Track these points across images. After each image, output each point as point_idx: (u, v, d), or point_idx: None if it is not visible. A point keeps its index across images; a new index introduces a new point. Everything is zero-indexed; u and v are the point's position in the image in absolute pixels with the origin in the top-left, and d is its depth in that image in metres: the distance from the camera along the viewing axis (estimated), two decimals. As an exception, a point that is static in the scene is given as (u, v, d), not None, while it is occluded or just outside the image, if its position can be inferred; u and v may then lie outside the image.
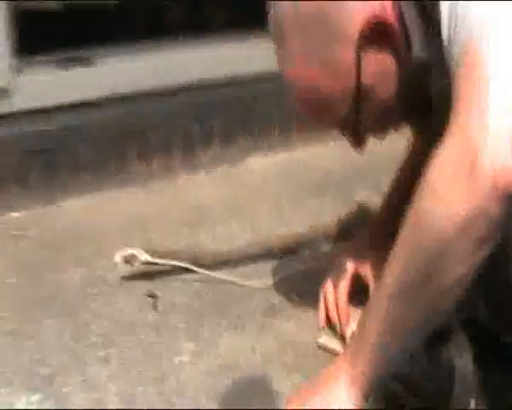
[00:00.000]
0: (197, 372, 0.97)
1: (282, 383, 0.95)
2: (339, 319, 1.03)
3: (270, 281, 1.19)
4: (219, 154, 1.67)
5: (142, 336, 1.05)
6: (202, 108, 1.65)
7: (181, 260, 1.20)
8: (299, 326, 1.07)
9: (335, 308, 1.04)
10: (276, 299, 1.15)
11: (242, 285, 1.17)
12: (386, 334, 0.73)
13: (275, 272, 1.21)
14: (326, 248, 1.31)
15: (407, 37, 0.81)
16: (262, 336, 1.05)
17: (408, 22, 0.81)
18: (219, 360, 1.00)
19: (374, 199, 1.41)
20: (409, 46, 0.81)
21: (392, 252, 0.72)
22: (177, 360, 1.00)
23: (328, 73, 0.84)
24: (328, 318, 1.05)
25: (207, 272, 1.19)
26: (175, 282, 1.19)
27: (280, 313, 1.11)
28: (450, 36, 0.70)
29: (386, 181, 1.47)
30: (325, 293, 1.07)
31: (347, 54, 0.82)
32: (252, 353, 1.02)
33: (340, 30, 0.82)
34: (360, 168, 1.55)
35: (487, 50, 0.65)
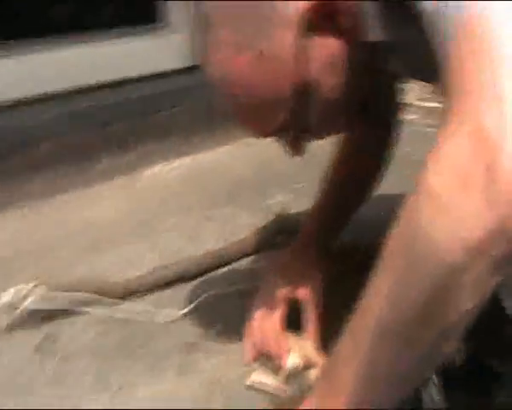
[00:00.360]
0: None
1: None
2: (272, 350, 0.90)
3: (186, 309, 1.04)
4: (116, 163, 1.50)
5: (40, 393, 0.87)
6: (96, 112, 1.46)
7: (82, 292, 1.03)
8: (225, 361, 0.93)
9: (267, 338, 0.91)
10: (196, 330, 1.00)
11: (154, 317, 1.02)
12: (367, 382, 0.57)
13: (191, 298, 1.06)
14: (246, 264, 1.17)
15: (359, 16, 0.68)
16: (183, 378, 0.90)
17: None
18: (136, 413, 0.85)
19: (292, 205, 1.30)
20: (362, 28, 0.68)
21: (374, 279, 0.55)
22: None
23: (264, 64, 0.69)
24: (258, 351, 0.92)
25: (112, 305, 1.03)
26: (77, 319, 1.02)
27: (201, 347, 0.96)
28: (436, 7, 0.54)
29: (304, 184, 1.36)
30: (253, 321, 0.93)
31: (287, 41, 0.69)
32: (174, 399, 0.87)
33: (278, 12, 0.68)
34: (273, 171, 1.43)
35: (498, 20, 0.50)
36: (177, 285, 1.10)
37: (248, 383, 0.88)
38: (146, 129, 1.52)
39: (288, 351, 0.87)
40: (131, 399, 0.87)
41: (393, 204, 0.55)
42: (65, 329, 1.00)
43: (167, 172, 1.55)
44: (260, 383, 0.87)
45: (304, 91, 0.71)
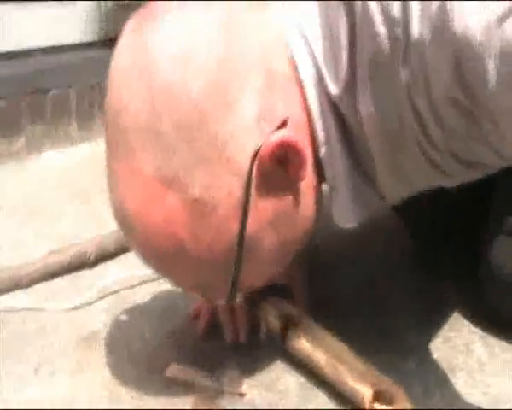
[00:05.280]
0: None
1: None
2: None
3: (83, 299, 0.83)
4: (5, 149, 1.26)
5: None
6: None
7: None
8: (135, 355, 0.73)
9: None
10: (96, 322, 0.80)
11: (43, 311, 0.81)
12: None
13: (90, 286, 0.86)
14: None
15: (319, 164, 0.58)
16: (81, 379, 0.70)
17: (327, 159, 0.57)
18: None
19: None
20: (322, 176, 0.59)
21: None
22: None
23: (194, 215, 0.53)
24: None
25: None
26: None
27: (102, 341, 0.76)
28: None
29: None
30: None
31: (230, 190, 0.53)
32: (68, 405, 0.66)
33: (223, 153, 0.52)
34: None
35: None
36: (72, 273, 0.89)
37: (168, 373, 0.68)
38: (36, 109, 1.30)
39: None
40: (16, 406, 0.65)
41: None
42: None
43: (65, 159, 1.34)
44: (183, 371, 0.68)
45: (241, 251, 0.55)
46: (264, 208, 0.55)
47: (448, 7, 0.46)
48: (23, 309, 0.81)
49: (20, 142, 1.28)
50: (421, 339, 0.76)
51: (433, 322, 0.78)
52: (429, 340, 0.75)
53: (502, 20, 0.44)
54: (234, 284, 0.58)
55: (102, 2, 1.44)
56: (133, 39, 0.54)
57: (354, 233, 0.65)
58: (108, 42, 1.48)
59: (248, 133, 0.53)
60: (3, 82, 1.25)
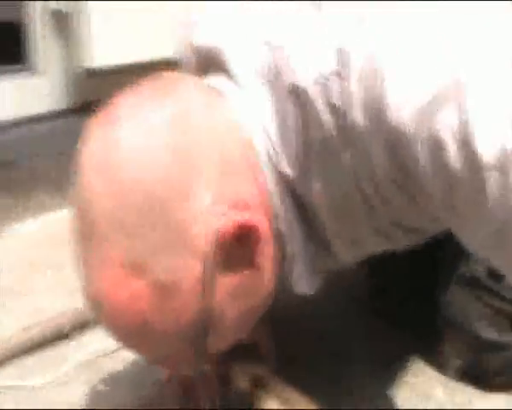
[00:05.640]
0: None
1: None
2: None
3: (60, 371, 0.86)
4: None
5: None
6: None
7: None
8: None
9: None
10: (75, 396, 0.82)
11: (18, 388, 0.83)
12: None
13: (70, 359, 0.88)
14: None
15: (277, 237, 0.62)
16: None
17: (285, 234, 0.62)
18: None
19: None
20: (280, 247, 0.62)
21: None
22: None
23: (161, 296, 0.57)
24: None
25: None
26: None
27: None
28: None
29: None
30: None
31: (195, 272, 0.57)
32: None
33: (184, 237, 0.56)
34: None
35: None
36: (46, 348, 0.92)
37: None
38: (4, 181, 1.33)
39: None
40: None
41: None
42: None
43: (36, 229, 1.36)
44: None
45: (206, 326, 0.59)
46: (224, 283, 0.59)
47: (383, 99, 0.51)
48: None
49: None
50: (382, 387, 0.79)
51: (394, 369, 0.82)
52: (390, 387, 0.79)
53: (430, 113, 0.50)
54: (200, 356, 0.61)
55: (70, 71, 1.47)
56: (94, 143, 0.58)
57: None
58: (77, 110, 1.52)
59: (206, 218, 0.56)
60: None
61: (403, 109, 0.51)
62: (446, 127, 0.49)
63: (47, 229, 1.33)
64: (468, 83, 0.50)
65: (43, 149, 1.39)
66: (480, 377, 0.78)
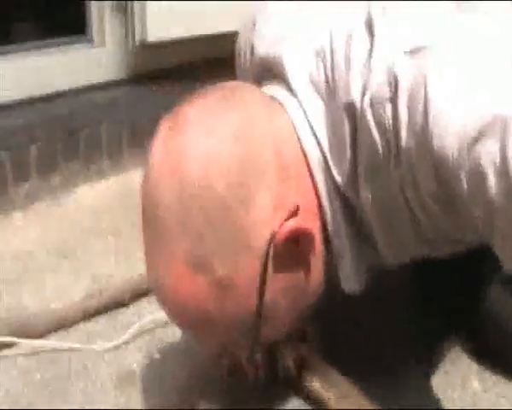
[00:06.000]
0: None
1: None
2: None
3: (121, 339, 0.93)
4: (38, 187, 1.37)
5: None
6: (14, 133, 1.33)
7: (-1, 332, 0.91)
8: (170, 393, 0.83)
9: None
10: (133, 361, 0.89)
11: (85, 351, 0.91)
12: None
13: (126, 326, 0.95)
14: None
15: (330, 252, 0.68)
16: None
17: (334, 237, 0.67)
18: None
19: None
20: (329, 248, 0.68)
21: None
22: None
23: (220, 291, 0.63)
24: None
25: (36, 341, 0.91)
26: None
27: (138, 379, 0.86)
28: None
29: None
30: None
31: (252, 271, 0.62)
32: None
33: (244, 239, 0.62)
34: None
35: None
36: (109, 314, 0.99)
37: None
38: (69, 149, 1.40)
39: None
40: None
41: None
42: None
43: (96, 195, 1.43)
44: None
45: (259, 319, 0.65)
46: (278, 281, 0.64)
47: (430, 125, 0.55)
48: (67, 349, 0.91)
49: (56, 179, 1.38)
50: (421, 375, 0.84)
51: (433, 359, 0.87)
52: (429, 375, 0.84)
53: (473, 143, 0.53)
54: (254, 344, 0.67)
55: (128, 43, 1.52)
56: (164, 146, 0.64)
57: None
58: (134, 80, 1.58)
59: (265, 222, 0.62)
60: (38, 127, 1.36)
61: (447, 139, 0.54)
62: (489, 159, 0.52)
63: (106, 195, 1.41)
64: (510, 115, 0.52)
65: (103, 117, 1.45)
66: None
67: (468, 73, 0.56)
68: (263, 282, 0.63)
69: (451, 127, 0.54)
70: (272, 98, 0.68)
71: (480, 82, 0.55)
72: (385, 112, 0.58)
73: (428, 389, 0.82)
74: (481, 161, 0.53)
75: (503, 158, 0.52)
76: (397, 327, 0.93)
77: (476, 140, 0.53)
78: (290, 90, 0.67)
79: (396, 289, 0.99)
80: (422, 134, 0.56)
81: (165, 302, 0.67)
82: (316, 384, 0.79)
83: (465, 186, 0.54)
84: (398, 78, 0.57)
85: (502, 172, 0.52)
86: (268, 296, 0.64)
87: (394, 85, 0.57)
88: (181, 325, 0.69)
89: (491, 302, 0.82)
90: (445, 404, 0.80)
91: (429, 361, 0.86)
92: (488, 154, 0.52)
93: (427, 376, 0.84)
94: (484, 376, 0.84)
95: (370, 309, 0.92)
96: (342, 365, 0.80)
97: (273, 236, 0.62)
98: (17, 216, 1.31)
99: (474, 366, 0.85)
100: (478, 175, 0.53)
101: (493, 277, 0.82)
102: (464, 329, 0.89)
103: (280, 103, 0.67)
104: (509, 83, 0.54)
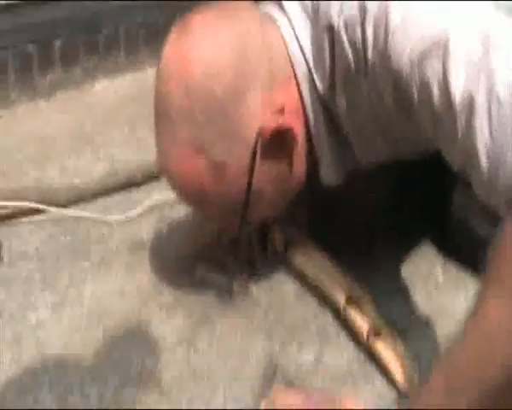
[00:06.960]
0: (60, 328, 0.84)
1: (161, 327, 0.85)
2: None
3: (133, 213, 1.06)
4: (61, 77, 1.47)
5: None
6: (40, 27, 1.42)
7: (28, 199, 1.03)
8: (173, 259, 0.96)
9: None
10: (143, 232, 1.02)
11: (102, 221, 1.03)
12: None
13: (138, 202, 1.07)
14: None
15: (312, 149, 0.80)
16: (132, 276, 0.93)
17: (315, 136, 0.79)
18: (85, 309, 0.88)
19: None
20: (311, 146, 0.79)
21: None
22: (33, 317, 0.86)
23: (216, 173, 0.76)
24: None
25: (60, 209, 1.04)
26: (22, 226, 1.03)
27: (148, 248, 0.99)
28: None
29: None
30: None
31: (241, 157, 0.75)
32: (122, 296, 0.90)
33: (237, 130, 0.74)
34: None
35: None
36: (123, 191, 1.11)
37: (197, 275, 0.92)
38: (91, 44, 1.49)
39: None
40: (79, 297, 0.89)
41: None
42: (12, 234, 1.01)
43: (114, 88, 1.53)
44: (207, 274, 0.91)
45: (247, 202, 0.78)
46: (264, 170, 0.77)
47: (388, 46, 0.65)
48: (87, 219, 1.04)
49: (78, 71, 1.48)
50: (393, 261, 0.96)
51: (403, 249, 0.99)
52: (400, 262, 0.96)
53: (422, 60, 0.63)
54: (243, 222, 0.80)
55: None
56: (175, 48, 0.76)
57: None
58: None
59: (255, 118, 0.74)
60: (62, 24, 1.45)
61: (402, 57, 0.64)
62: (433, 74, 0.62)
63: (124, 90, 1.51)
64: (451, 41, 0.61)
65: (122, 18, 1.53)
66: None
67: (421, 6, 0.65)
68: (251, 169, 0.76)
69: (405, 48, 0.64)
70: (267, 16, 0.79)
71: (430, 11, 0.65)
72: (355, 33, 0.69)
73: (398, 274, 0.94)
74: (427, 75, 0.63)
75: (444, 74, 0.61)
76: (375, 218, 1.04)
77: (424, 58, 0.63)
78: (282, 9, 0.78)
79: (378, 189, 1.10)
80: (384, 53, 0.66)
81: (170, 178, 0.80)
82: (297, 259, 0.92)
83: (416, 95, 0.65)
84: (367, 7, 0.67)
85: (443, 86, 0.62)
86: (255, 182, 0.77)
87: (363, 12, 0.68)
88: (183, 198, 0.83)
89: (455, 204, 0.94)
90: (411, 289, 0.92)
91: (400, 250, 0.98)
92: (433, 69, 0.62)
93: (398, 262, 0.96)
94: (447, 268, 0.96)
95: (355, 201, 1.03)
96: (326, 245, 0.92)
97: (261, 130, 0.74)
98: (41, 103, 1.42)
99: (440, 259, 0.97)
100: (425, 86, 0.63)
101: (458, 181, 0.92)
102: (434, 226, 1.00)
103: (273, 20, 0.78)
104: (454, 12, 0.64)
